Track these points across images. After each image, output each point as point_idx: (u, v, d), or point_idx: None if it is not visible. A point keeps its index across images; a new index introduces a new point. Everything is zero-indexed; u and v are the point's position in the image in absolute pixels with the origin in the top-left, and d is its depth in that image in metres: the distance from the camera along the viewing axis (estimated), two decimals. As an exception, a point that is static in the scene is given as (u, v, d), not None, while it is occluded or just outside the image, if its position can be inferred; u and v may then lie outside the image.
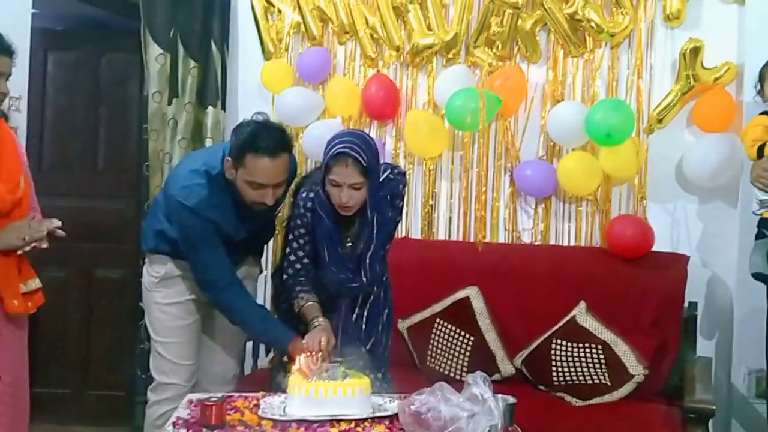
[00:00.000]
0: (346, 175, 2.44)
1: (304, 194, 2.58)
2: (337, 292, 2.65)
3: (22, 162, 2.54)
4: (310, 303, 2.56)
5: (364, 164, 2.44)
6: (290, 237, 2.61)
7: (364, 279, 2.62)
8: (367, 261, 2.61)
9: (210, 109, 3.73)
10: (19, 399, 2.54)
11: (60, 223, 2.53)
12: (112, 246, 4.06)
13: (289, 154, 2.57)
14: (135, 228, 3.80)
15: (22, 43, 3.31)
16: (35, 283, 2.56)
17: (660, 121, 3.40)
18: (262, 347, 3.32)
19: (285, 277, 2.63)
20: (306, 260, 2.61)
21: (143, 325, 3.47)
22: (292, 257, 2.61)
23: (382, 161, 2.64)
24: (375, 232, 2.57)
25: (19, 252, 2.43)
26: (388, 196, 2.62)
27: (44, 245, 2.48)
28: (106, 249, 4.08)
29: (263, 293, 3.25)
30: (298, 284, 2.61)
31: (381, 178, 2.58)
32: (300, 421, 2.15)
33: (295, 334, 2.54)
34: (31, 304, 2.50)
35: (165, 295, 2.79)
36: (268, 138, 2.47)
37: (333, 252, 2.56)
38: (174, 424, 2.15)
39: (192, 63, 3.71)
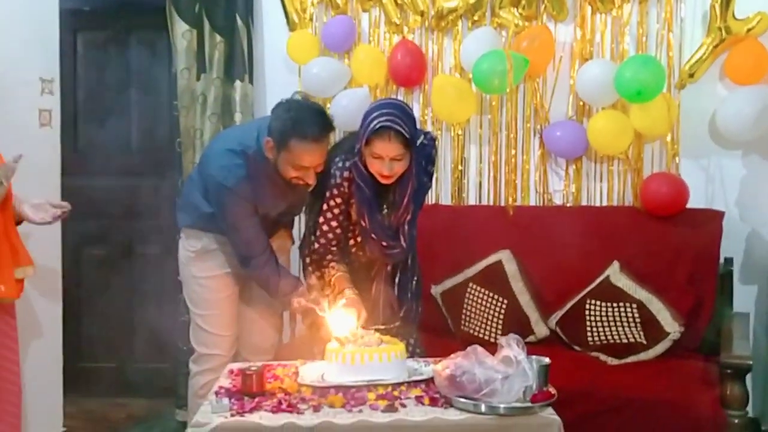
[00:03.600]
0: (389, 149, 2.45)
1: (339, 164, 2.58)
2: (374, 260, 2.68)
3: None
4: (340, 274, 2.61)
5: (407, 136, 2.45)
6: (325, 207, 2.63)
7: (404, 244, 2.65)
8: (406, 226, 2.64)
9: (238, 83, 3.74)
10: (6, 383, 2.55)
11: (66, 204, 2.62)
12: (150, 222, 4.12)
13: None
14: (170, 204, 3.84)
15: (51, 24, 3.37)
16: (30, 270, 2.58)
17: (691, 75, 3.35)
18: (299, 317, 3.37)
19: (317, 245, 2.66)
20: (339, 230, 2.64)
21: (182, 299, 3.56)
22: (325, 227, 2.64)
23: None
24: (413, 198, 2.59)
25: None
26: (423, 162, 2.64)
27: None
28: (144, 226, 4.15)
29: (297, 265, 3.29)
30: (329, 253, 2.64)
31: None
32: (338, 387, 2.20)
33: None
34: (16, 291, 2.51)
35: (202, 268, 2.85)
36: (312, 123, 2.49)
37: (373, 219, 2.58)
38: (216, 393, 2.21)
39: (218, 38, 3.72)
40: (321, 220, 2.64)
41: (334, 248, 2.65)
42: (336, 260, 2.64)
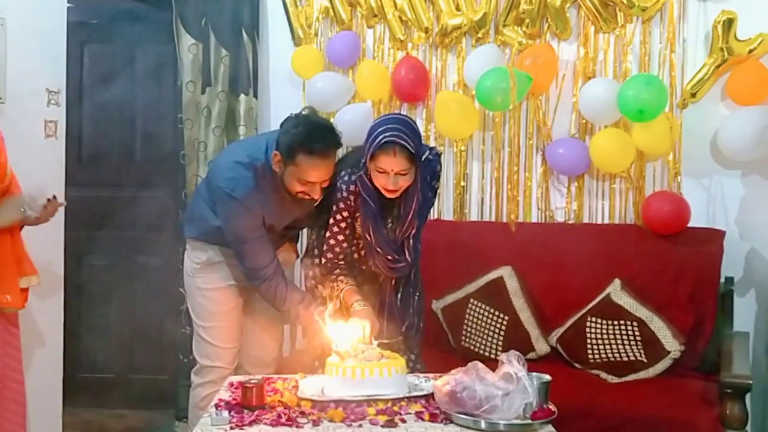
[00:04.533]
0: (394, 164, 2.46)
1: (345, 177, 2.59)
2: (379, 274, 2.68)
3: (5, 154, 2.55)
4: (348, 287, 2.62)
5: (412, 151, 2.46)
6: (331, 221, 2.63)
7: (408, 258, 2.66)
8: (411, 241, 2.64)
9: (242, 96, 3.77)
10: (9, 392, 2.56)
11: (56, 196, 2.59)
12: (152, 234, 4.13)
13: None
14: (173, 216, 3.88)
15: (58, 36, 3.40)
16: (35, 279, 2.60)
17: (694, 95, 3.37)
18: (299, 330, 3.38)
19: (323, 260, 2.66)
20: (345, 244, 2.65)
21: (184, 311, 3.56)
22: (332, 241, 2.64)
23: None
24: (418, 212, 2.61)
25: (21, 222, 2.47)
26: (428, 177, 2.65)
27: (48, 216, 2.54)
28: (146, 237, 4.16)
29: (299, 278, 3.30)
30: (337, 267, 2.65)
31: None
32: (338, 401, 2.20)
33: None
34: (21, 301, 2.54)
35: (207, 280, 2.85)
36: (320, 139, 2.50)
37: (378, 233, 2.59)
38: (216, 406, 2.21)
39: (223, 52, 3.76)
40: (328, 234, 2.65)
41: (342, 262, 2.66)
42: (344, 274, 2.65)
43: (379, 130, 2.47)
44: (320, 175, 2.54)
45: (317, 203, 2.66)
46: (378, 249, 2.60)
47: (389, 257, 2.62)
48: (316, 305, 2.67)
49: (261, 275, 2.67)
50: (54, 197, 2.57)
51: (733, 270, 3.31)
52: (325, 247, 2.66)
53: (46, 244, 3.15)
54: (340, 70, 3.81)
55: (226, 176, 2.63)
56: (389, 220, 2.64)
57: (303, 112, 2.68)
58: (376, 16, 3.75)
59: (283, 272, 2.72)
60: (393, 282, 2.73)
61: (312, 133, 2.50)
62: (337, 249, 2.64)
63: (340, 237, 2.64)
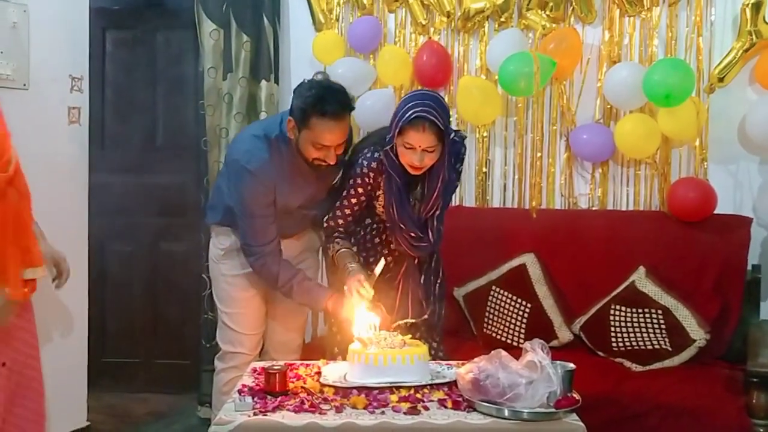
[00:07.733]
0: (423, 140, 2.44)
1: (369, 154, 2.59)
2: (403, 255, 2.68)
3: (9, 141, 2.41)
4: (344, 249, 2.64)
5: (441, 127, 2.44)
6: (344, 192, 2.64)
7: (431, 238, 2.64)
8: (434, 221, 2.63)
9: (263, 82, 3.76)
10: (25, 380, 2.52)
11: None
12: (174, 220, 4.16)
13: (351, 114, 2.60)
14: (195, 202, 3.89)
15: (81, 23, 3.41)
16: (41, 271, 2.51)
17: (721, 80, 3.31)
18: (321, 317, 3.39)
19: (325, 225, 2.70)
20: (351, 218, 2.67)
21: (206, 296, 3.58)
22: (338, 212, 2.67)
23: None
24: (443, 192, 2.59)
25: None
26: (452, 159, 2.63)
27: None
28: (169, 223, 4.19)
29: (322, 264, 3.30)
30: (336, 233, 2.68)
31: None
32: (361, 388, 2.20)
33: (329, 291, 2.65)
34: (27, 290, 2.45)
35: (230, 266, 2.86)
36: (333, 101, 2.50)
37: (402, 210, 2.58)
38: (239, 391, 2.22)
39: (245, 38, 3.74)
40: (337, 203, 2.67)
41: (342, 230, 2.68)
42: (342, 238, 2.67)
43: (409, 105, 2.45)
44: (334, 138, 2.53)
45: (334, 183, 2.66)
46: (401, 225, 2.59)
47: (412, 234, 2.60)
48: (308, 281, 2.69)
49: (257, 252, 2.67)
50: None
51: (760, 258, 3.27)
52: (329, 215, 2.69)
53: (70, 231, 3.18)
54: (362, 56, 3.78)
55: (242, 149, 2.65)
56: (412, 199, 2.62)
57: (316, 77, 2.66)
58: (397, 0, 3.72)
59: (281, 252, 2.70)
60: (417, 262, 2.71)
61: (325, 96, 2.50)
62: (341, 221, 2.67)
63: (347, 211, 2.65)
